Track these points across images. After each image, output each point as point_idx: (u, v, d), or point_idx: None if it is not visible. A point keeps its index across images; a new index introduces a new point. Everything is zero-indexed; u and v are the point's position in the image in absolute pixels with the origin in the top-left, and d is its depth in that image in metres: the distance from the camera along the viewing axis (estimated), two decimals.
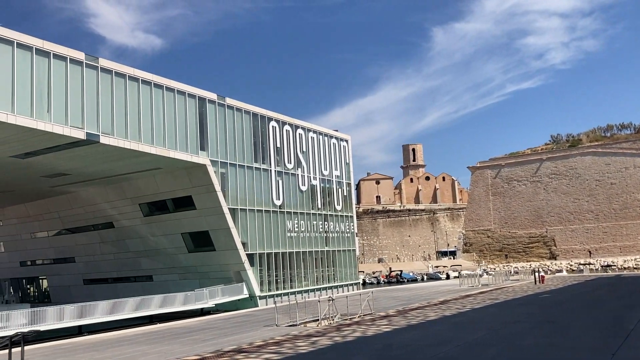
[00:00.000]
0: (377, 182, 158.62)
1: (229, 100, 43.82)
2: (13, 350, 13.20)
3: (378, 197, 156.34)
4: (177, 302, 39.47)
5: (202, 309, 40.62)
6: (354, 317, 26.09)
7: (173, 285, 45.25)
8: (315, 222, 53.41)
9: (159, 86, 36.79)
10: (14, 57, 27.79)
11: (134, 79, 34.88)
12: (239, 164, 44.40)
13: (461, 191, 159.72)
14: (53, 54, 29.73)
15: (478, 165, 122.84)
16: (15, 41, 27.88)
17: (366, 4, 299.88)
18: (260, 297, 44.53)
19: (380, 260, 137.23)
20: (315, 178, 53.84)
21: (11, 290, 61.44)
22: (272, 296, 44.92)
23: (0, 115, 26.96)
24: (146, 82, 35.80)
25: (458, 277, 66.54)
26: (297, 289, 49.00)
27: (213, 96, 42.09)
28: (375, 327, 22.18)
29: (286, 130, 50.18)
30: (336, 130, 60.17)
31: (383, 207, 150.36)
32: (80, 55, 31.30)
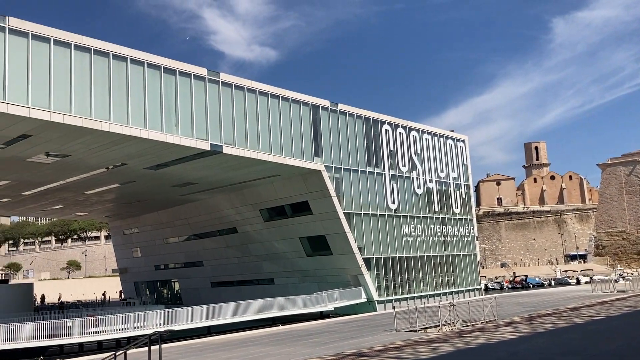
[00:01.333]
0: (498, 183, 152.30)
1: (342, 106, 44.33)
2: (150, 348, 14.21)
3: (499, 199, 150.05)
4: (298, 305, 40.43)
5: (321, 312, 41.28)
6: (477, 324, 25.20)
7: (293, 288, 46.48)
8: (432, 226, 52.36)
9: (275, 96, 38.10)
10: (145, 77, 30.14)
11: (251, 90, 36.40)
12: (352, 169, 44.71)
13: (590, 190, 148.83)
14: (179, 71, 31.86)
15: (609, 162, 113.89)
16: (145, 61, 30.22)
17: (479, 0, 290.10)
18: (379, 302, 44.43)
19: (503, 265, 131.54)
20: (431, 181, 52.83)
21: (147, 292, 66.37)
22: (390, 301, 44.62)
23: (134, 131, 29.33)
24: (263, 93, 37.23)
25: (589, 282, 61.90)
26: (415, 294, 48.30)
27: (326, 103, 42.81)
28: (500, 334, 21.26)
29: (399, 132, 49.77)
30: (452, 131, 58.67)
31: (505, 209, 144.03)
32: (202, 72, 33.25)
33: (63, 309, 58.68)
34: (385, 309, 43.24)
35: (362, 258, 43.66)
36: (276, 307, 39.26)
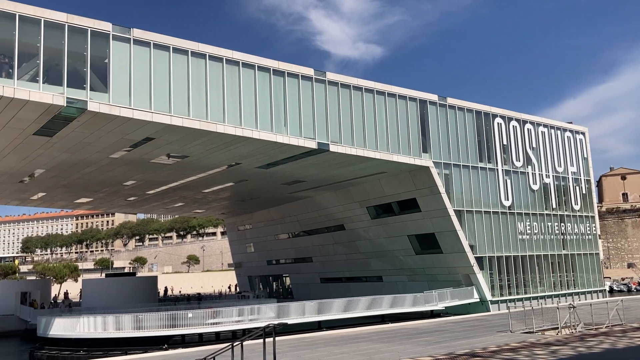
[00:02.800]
0: (623, 178, 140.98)
1: (450, 100, 43.22)
2: (260, 340, 14.74)
3: (625, 195, 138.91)
4: (407, 303, 40.05)
5: (431, 311, 40.59)
6: (600, 327, 23.54)
7: (402, 286, 46.09)
8: (549, 224, 49.63)
9: (380, 93, 37.95)
10: (256, 79, 31.27)
11: (357, 88, 36.54)
12: (463, 165, 43.47)
13: None
14: (287, 72, 32.71)
15: None
16: (256, 65, 31.34)
17: None
18: (492, 302, 42.86)
19: (630, 266, 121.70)
20: (548, 176, 50.09)
21: (260, 286, 68.91)
22: (504, 301, 42.89)
23: (247, 132, 30.54)
24: (369, 90, 37.22)
25: None
26: (531, 295, 46.07)
27: (434, 97, 41.95)
28: (627, 340, 19.70)
29: (513, 126, 47.63)
30: (570, 123, 55.17)
31: (632, 205, 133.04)
32: (309, 72, 33.89)
33: (188, 300, 62.49)
34: (498, 310, 41.62)
35: (474, 257, 42.34)
36: (385, 305, 39.16)
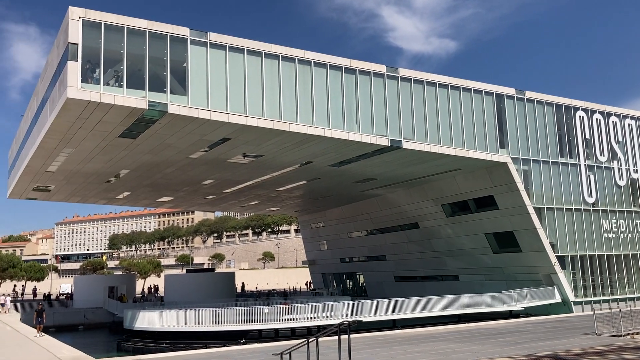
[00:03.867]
0: None
1: (529, 94, 41.68)
2: (336, 337, 14.84)
3: None
4: (484, 303, 39.06)
5: (510, 311, 39.36)
6: None
7: (479, 285, 44.97)
8: (638, 221, 46.83)
9: (455, 88, 37.16)
10: (327, 78, 31.45)
11: (431, 83, 35.96)
12: (542, 160, 41.81)
13: None
14: (359, 70, 32.68)
15: None
16: (328, 63, 31.53)
17: None
18: (575, 303, 40.99)
19: None
20: (636, 171, 47.26)
21: (334, 284, 69.32)
22: (588, 302, 40.95)
23: (319, 131, 30.80)
24: (443, 85, 36.54)
25: None
26: (618, 296, 43.68)
27: (511, 91, 40.58)
28: None
29: (596, 119, 45.29)
30: None
31: None
32: (381, 69, 33.70)
33: (263, 296, 63.84)
34: (582, 311, 39.78)
35: (556, 256, 40.65)
36: (461, 305, 38.38)
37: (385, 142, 33.25)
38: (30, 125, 35.30)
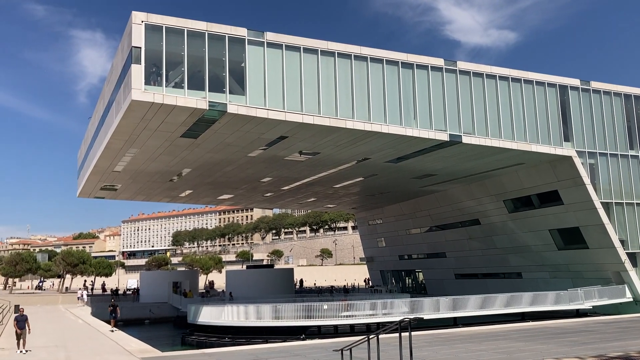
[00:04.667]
0: None
1: (595, 84, 39.97)
2: (395, 335, 14.75)
3: None
4: (549, 301, 37.90)
5: (577, 310, 37.99)
6: None
7: (543, 283, 43.61)
8: None
9: (516, 80, 36.11)
10: (384, 73, 31.25)
11: (490, 76, 35.08)
12: (610, 153, 40.06)
13: None
14: (416, 64, 32.29)
15: None
16: (384, 59, 31.30)
17: None
18: None
19: None
20: None
21: (393, 281, 68.85)
22: None
23: (376, 127, 30.64)
24: (503, 78, 35.58)
25: None
26: None
27: (575, 82, 39.04)
28: None
29: None
30: None
31: None
32: (439, 62, 33.16)
33: (325, 292, 64.17)
34: None
35: (626, 252, 38.87)
36: (524, 303, 37.37)
37: (444, 137, 32.72)
38: (98, 127, 36.84)
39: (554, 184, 40.07)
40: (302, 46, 28.94)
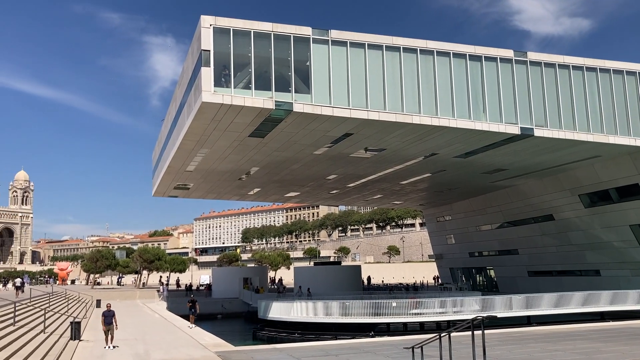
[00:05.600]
0: None
1: None
2: (466, 333, 14.47)
3: None
4: (630, 300, 36.10)
5: None
6: None
7: (624, 281, 41.53)
8: None
9: (591, 69, 34.47)
10: (451, 67, 30.62)
11: (563, 66, 33.65)
12: None
13: None
14: (484, 57, 31.44)
15: None
16: (451, 52, 30.68)
17: None
18: None
19: None
20: None
21: (463, 278, 67.52)
22: None
23: (443, 121, 30.11)
24: (577, 68, 34.04)
25: None
26: None
27: None
28: None
29: None
30: None
31: None
32: (508, 53, 32.15)
33: (395, 289, 63.78)
34: None
35: None
36: (603, 301, 35.76)
37: (515, 130, 31.73)
38: (170, 129, 38.23)
39: (635, 177, 38.03)
40: (366, 42, 28.85)
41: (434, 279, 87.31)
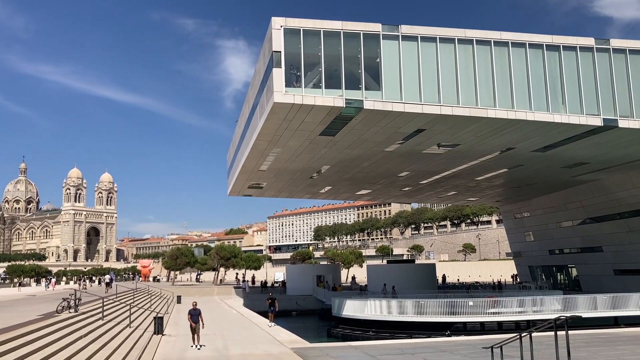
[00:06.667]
0: None
1: None
2: (547, 333, 13.90)
3: None
4: None
5: None
6: None
7: None
8: None
9: None
10: (527, 58, 29.50)
11: None
12: None
13: None
14: (562, 46, 30.08)
15: None
16: (527, 42, 29.54)
17: None
18: None
19: None
20: None
21: (543, 277, 64.97)
22: None
23: (520, 114, 29.06)
24: None
25: None
26: None
27: None
28: None
29: None
30: None
31: None
32: (589, 42, 30.58)
33: (476, 288, 62.30)
34: None
35: None
36: None
37: (597, 121, 30.18)
38: (244, 130, 39.15)
39: None
40: (438, 36, 28.32)
41: (512, 277, 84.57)
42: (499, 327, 32.36)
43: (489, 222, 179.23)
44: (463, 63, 28.57)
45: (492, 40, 29.01)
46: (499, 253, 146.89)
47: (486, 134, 32.10)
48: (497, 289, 61.94)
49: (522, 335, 13.59)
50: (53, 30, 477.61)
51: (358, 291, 54.96)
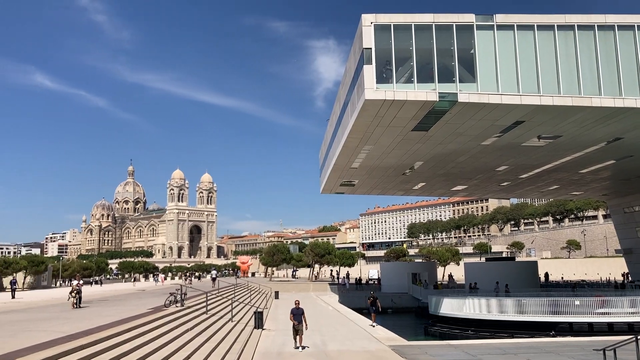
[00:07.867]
0: None
1: None
2: None
3: None
4: None
5: None
6: None
7: None
8: None
9: None
10: (636, 40, 27.45)
11: None
12: None
13: None
14: None
15: None
16: (636, 24, 27.50)
17: None
18: None
19: None
20: None
21: None
22: None
23: (629, 102, 27.18)
24: None
25: None
26: None
27: None
28: None
29: None
30: None
31: None
32: None
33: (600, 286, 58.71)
34: None
35: None
36: None
37: None
38: (335, 128, 39.45)
39: None
40: (535, 24, 27.05)
41: (622, 275, 79.04)
42: (610, 329, 30.42)
43: (594, 217, 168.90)
44: (564, 50, 27.10)
45: (596, 24, 27.29)
46: (607, 250, 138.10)
47: (591, 124, 30.26)
48: (619, 287, 57.36)
49: (639, 337, 12.70)
50: (155, 40, 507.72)
51: (467, 289, 52.85)
